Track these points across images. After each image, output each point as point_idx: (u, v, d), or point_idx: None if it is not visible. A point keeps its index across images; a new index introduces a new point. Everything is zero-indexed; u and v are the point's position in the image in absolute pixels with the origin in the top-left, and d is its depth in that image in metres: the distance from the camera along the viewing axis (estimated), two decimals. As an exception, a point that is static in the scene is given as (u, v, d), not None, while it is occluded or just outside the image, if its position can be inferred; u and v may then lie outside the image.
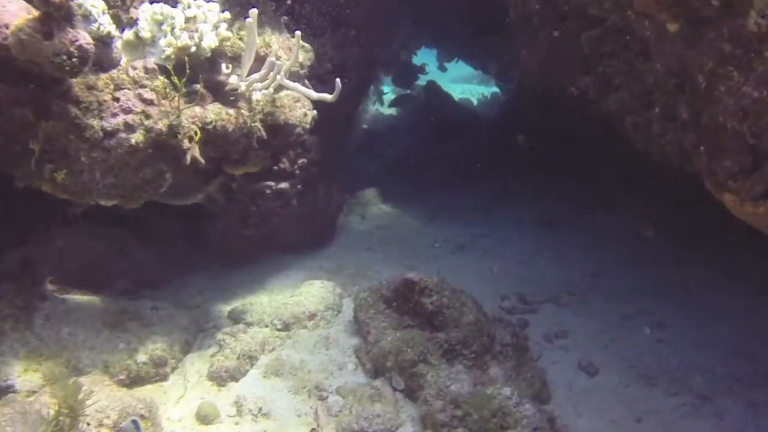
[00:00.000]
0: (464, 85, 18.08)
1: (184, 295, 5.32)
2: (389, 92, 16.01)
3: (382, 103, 12.18)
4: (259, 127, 4.19)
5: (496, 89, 14.88)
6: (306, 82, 4.74)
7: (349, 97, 6.72)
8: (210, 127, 3.88)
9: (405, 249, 6.76)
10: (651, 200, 6.73)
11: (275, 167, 5.13)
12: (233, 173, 4.41)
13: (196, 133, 3.77)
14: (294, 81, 4.43)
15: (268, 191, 5.17)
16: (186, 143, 3.72)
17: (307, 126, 4.52)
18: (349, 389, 4.20)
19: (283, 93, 4.49)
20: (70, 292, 4.59)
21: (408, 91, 11.62)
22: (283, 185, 5.22)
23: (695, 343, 4.86)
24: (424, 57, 13.76)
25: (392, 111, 12.86)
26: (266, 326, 4.89)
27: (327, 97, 4.10)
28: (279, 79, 4.10)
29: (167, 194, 4.33)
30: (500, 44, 6.63)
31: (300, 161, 5.32)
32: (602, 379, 4.50)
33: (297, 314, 4.96)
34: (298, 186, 5.39)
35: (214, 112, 3.92)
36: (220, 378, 4.31)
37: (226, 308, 5.31)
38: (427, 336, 4.21)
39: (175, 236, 5.84)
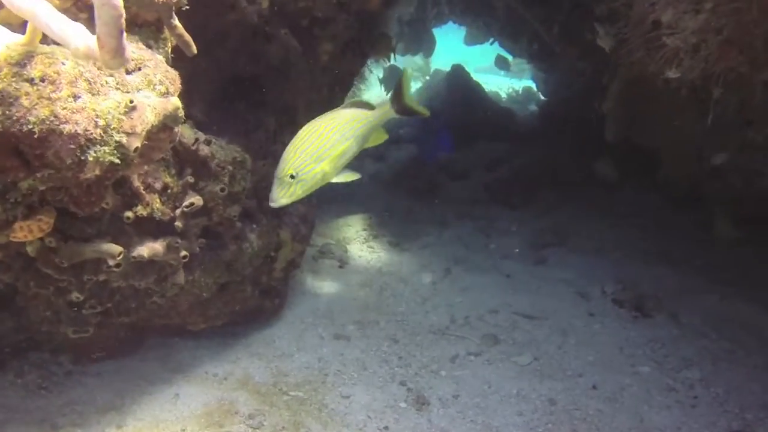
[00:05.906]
0: (489, 75, 15.18)
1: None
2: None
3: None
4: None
5: (530, 83, 12.11)
6: (173, 20, 1.96)
7: (328, 72, 4.00)
8: None
9: (399, 337, 4.04)
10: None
11: (129, 213, 2.40)
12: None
13: None
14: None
15: (111, 262, 2.43)
16: None
17: (130, 144, 1.68)
18: None
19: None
20: None
21: None
22: (144, 250, 2.47)
23: None
24: (446, 36, 10.92)
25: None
26: None
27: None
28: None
29: None
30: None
31: (189, 201, 2.57)
32: None
33: None
34: (183, 254, 2.63)
35: None
36: None
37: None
38: None
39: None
